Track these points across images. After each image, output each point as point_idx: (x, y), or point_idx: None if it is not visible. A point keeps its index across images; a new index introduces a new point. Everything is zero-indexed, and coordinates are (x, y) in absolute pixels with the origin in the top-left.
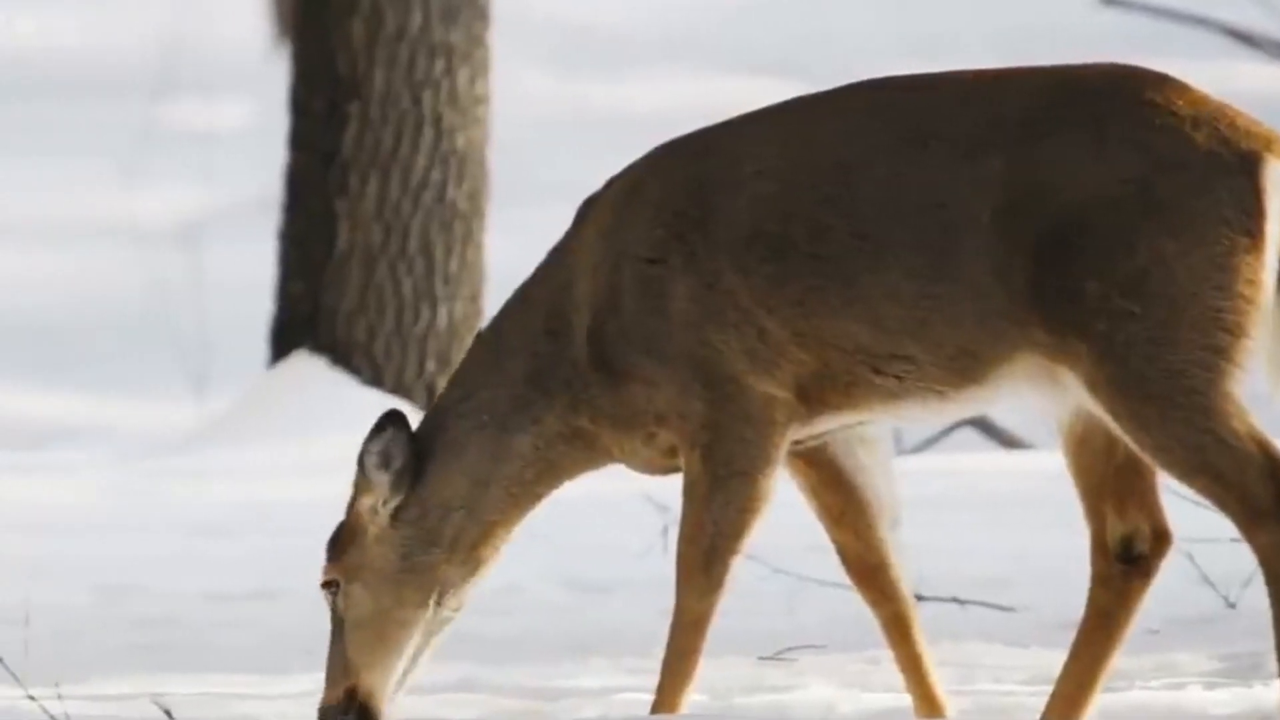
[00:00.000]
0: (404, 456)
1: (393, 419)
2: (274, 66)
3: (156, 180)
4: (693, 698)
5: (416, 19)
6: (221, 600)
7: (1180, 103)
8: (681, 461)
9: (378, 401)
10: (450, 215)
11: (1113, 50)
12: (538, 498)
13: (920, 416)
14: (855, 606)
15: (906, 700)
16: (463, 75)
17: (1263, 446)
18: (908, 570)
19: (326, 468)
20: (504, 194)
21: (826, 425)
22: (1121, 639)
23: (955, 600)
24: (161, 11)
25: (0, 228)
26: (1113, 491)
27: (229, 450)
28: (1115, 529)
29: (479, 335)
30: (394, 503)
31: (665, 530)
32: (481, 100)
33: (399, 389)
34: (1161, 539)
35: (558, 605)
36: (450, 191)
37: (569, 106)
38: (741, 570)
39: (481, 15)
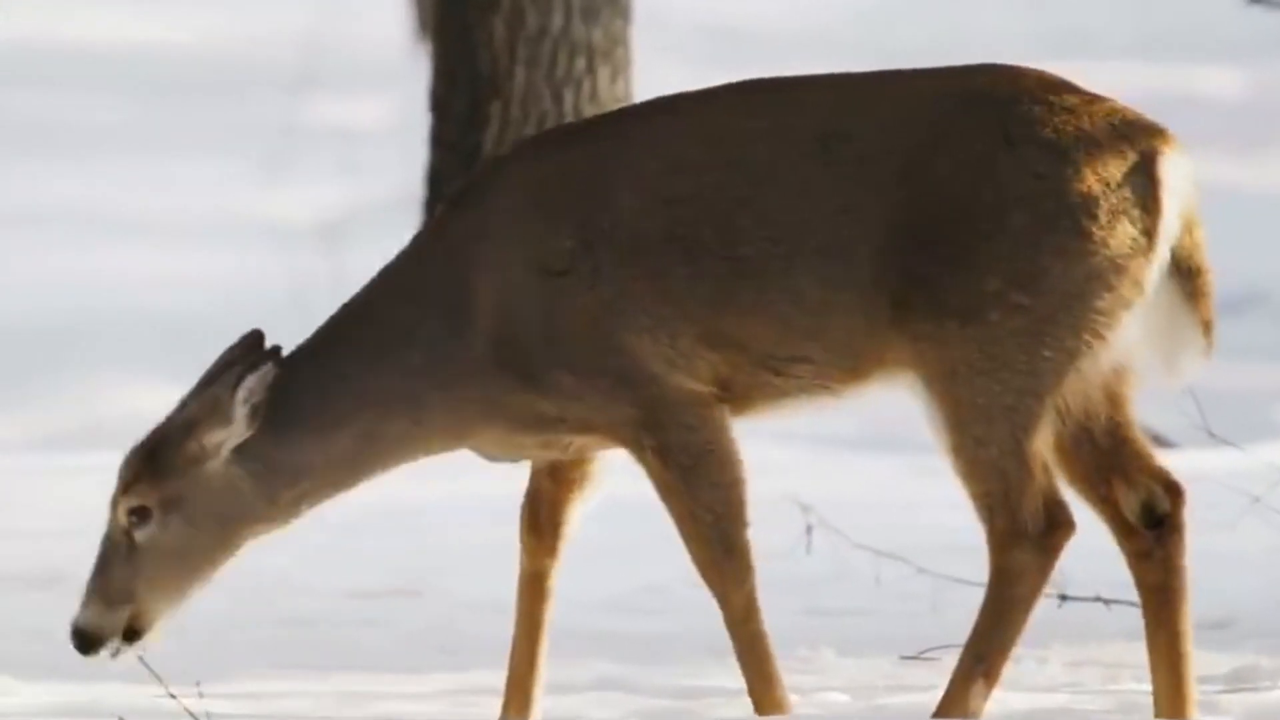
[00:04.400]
0: (263, 396)
1: (269, 356)
2: (415, 64)
3: (298, 178)
4: (834, 697)
5: (557, 18)
6: (363, 598)
7: (1077, 101)
8: (644, 468)
9: None
10: None
11: (1260, 49)
12: (382, 472)
13: (803, 412)
14: None
15: (1050, 700)
16: (603, 74)
17: (1047, 475)
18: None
19: (468, 465)
20: None
21: (759, 413)
22: (1187, 602)
23: (1100, 600)
24: (303, 10)
25: (142, 226)
26: (1112, 468)
27: None
28: (1130, 501)
29: (356, 312)
30: (237, 441)
31: (809, 530)
32: (622, 99)
33: None
34: (1174, 491)
35: (699, 605)
36: None
37: None
38: (885, 570)
39: (622, 14)
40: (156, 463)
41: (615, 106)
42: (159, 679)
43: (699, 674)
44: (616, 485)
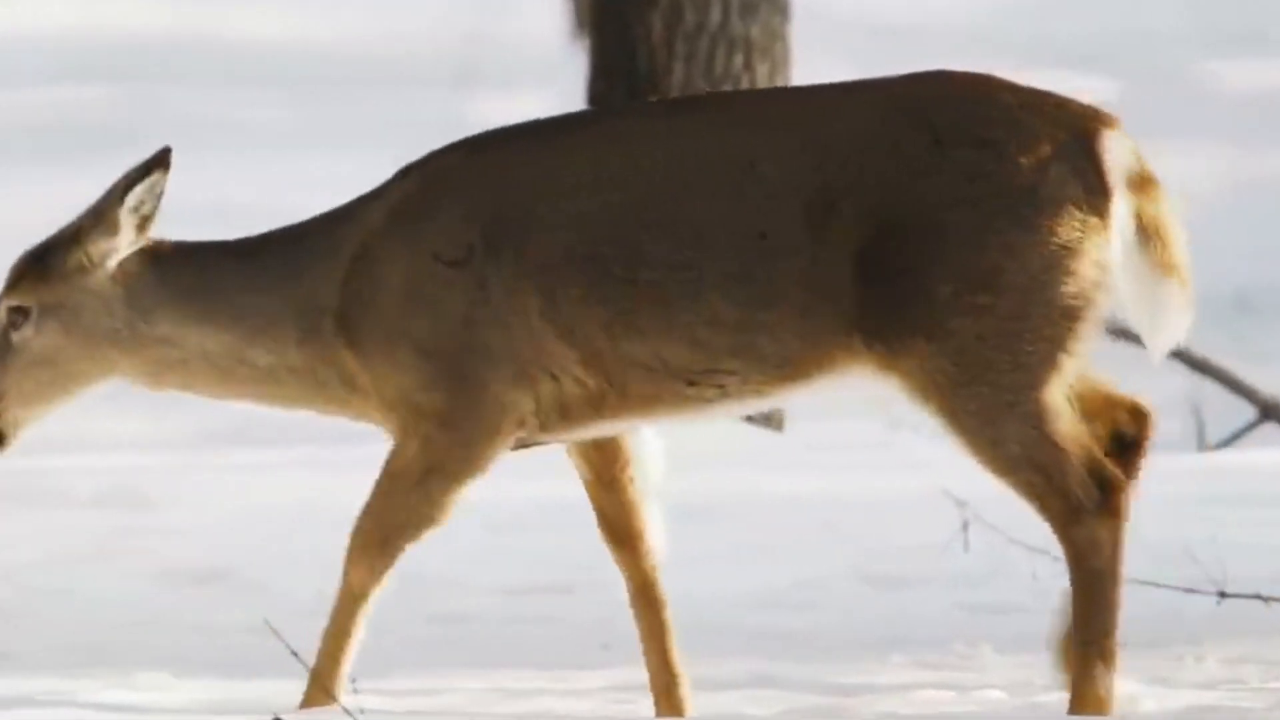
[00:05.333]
0: (154, 208)
1: (159, 165)
2: (573, 60)
3: None
4: (991, 694)
5: (716, 13)
6: (518, 595)
7: (1005, 95)
8: (395, 444)
9: None
10: None
11: None
12: (247, 400)
13: (729, 414)
14: (1157, 603)
15: (1208, 698)
16: (762, 70)
17: (1084, 445)
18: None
19: None
20: None
21: (599, 432)
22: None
23: (1259, 597)
24: (465, 7)
25: None
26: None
27: None
28: (1100, 433)
29: (286, 236)
30: (120, 257)
31: (965, 526)
32: None
33: None
34: (1139, 412)
35: (857, 601)
36: None
37: None
38: (1039, 566)
39: (781, 10)
40: (43, 266)
41: None
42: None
43: (853, 670)
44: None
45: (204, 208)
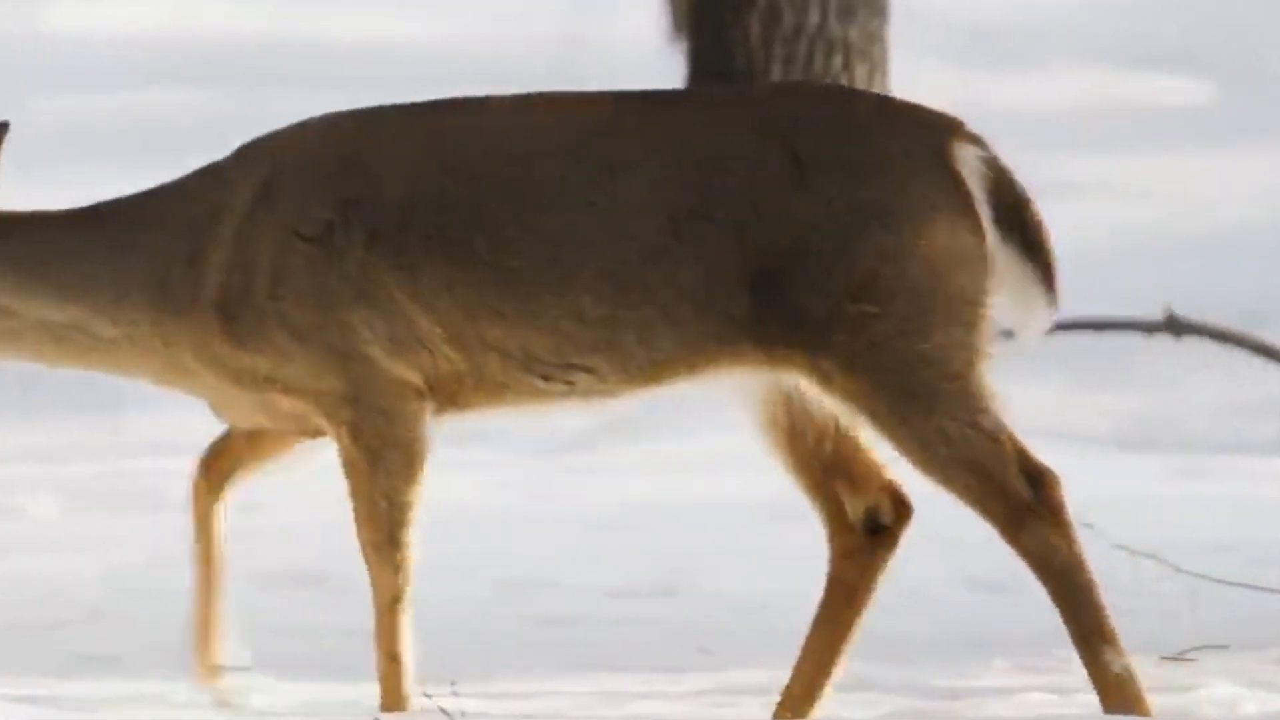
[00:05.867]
0: None
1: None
2: (671, 62)
3: None
4: (1092, 698)
5: (814, 15)
6: (622, 596)
7: (862, 108)
8: (333, 439)
9: None
10: None
11: None
12: (83, 368)
13: (573, 413)
14: (1259, 606)
15: None
16: (860, 71)
17: (1014, 441)
18: None
19: (728, 463)
20: None
21: (451, 419)
22: (864, 611)
23: None
24: (560, 6)
25: None
26: (839, 471)
27: (631, 444)
28: (855, 505)
29: (127, 207)
30: None
31: None
32: None
33: None
34: (902, 508)
35: (959, 605)
36: None
37: (966, 102)
38: (1143, 569)
39: (879, 11)
40: None
41: None
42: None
43: (954, 673)
44: None
45: None
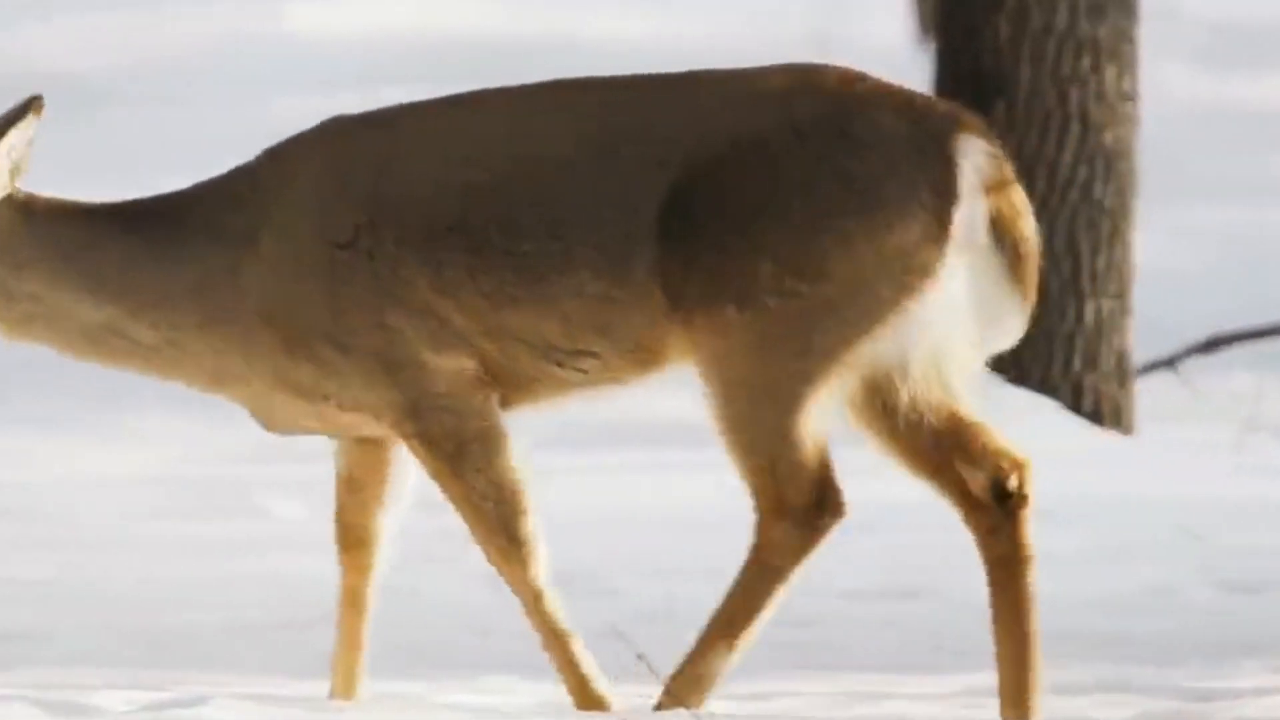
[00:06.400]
0: (24, 152)
1: (37, 111)
2: (919, 63)
3: None
4: None
5: (1063, 15)
6: (862, 598)
7: (865, 90)
8: (413, 455)
9: (1024, 401)
10: (1097, 213)
11: None
12: (122, 368)
13: (591, 401)
14: None
15: None
16: (1109, 72)
17: (822, 455)
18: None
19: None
20: (1152, 191)
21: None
22: (1033, 577)
23: None
24: (809, 7)
25: None
26: (952, 448)
27: None
28: (977, 480)
29: (167, 209)
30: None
31: None
32: (1129, 97)
33: (1045, 387)
34: (1018, 466)
35: (1210, 606)
36: (1097, 189)
37: (1217, 103)
38: None
39: (1129, 11)
40: None
41: (1122, 104)
42: (658, 676)
43: (1207, 675)
44: (1120, 485)
45: None
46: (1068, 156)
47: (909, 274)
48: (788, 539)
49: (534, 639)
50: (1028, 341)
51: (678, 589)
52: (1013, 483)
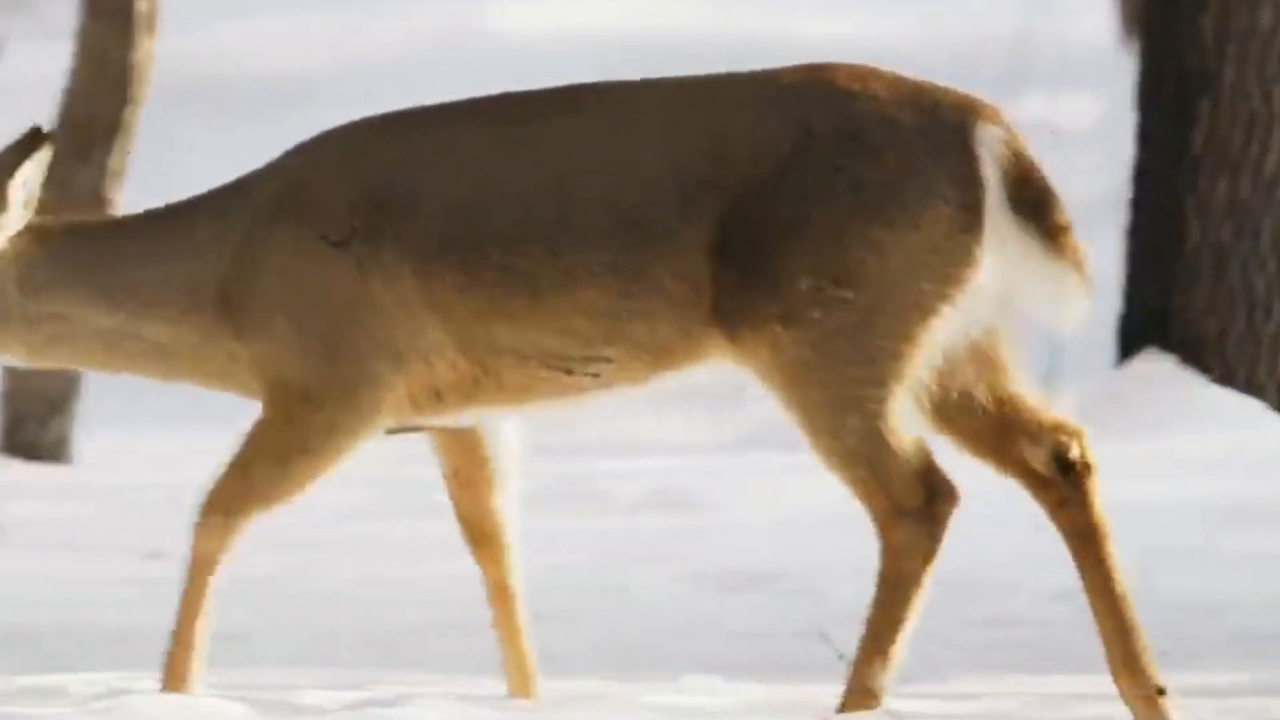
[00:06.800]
0: (39, 186)
1: (43, 142)
2: (1122, 63)
3: None
4: None
5: (1266, 15)
6: (1066, 599)
7: (878, 87)
8: (261, 416)
9: (1230, 401)
10: None
11: None
12: (134, 373)
13: (603, 402)
14: None
15: None
16: None
17: (920, 450)
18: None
19: (1179, 466)
20: None
21: (474, 418)
22: (1112, 544)
23: None
24: (1014, 6)
25: None
26: (1009, 428)
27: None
28: (1038, 455)
29: (170, 211)
30: (6, 235)
31: None
32: None
33: (1250, 387)
34: (1076, 435)
35: None
36: None
37: None
38: None
39: None
40: None
41: None
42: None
43: None
44: None
45: None
46: (1272, 156)
47: (950, 266)
48: (912, 540)
49: (740, 640)
50: (1234, 342)
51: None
52: (1074, 452)
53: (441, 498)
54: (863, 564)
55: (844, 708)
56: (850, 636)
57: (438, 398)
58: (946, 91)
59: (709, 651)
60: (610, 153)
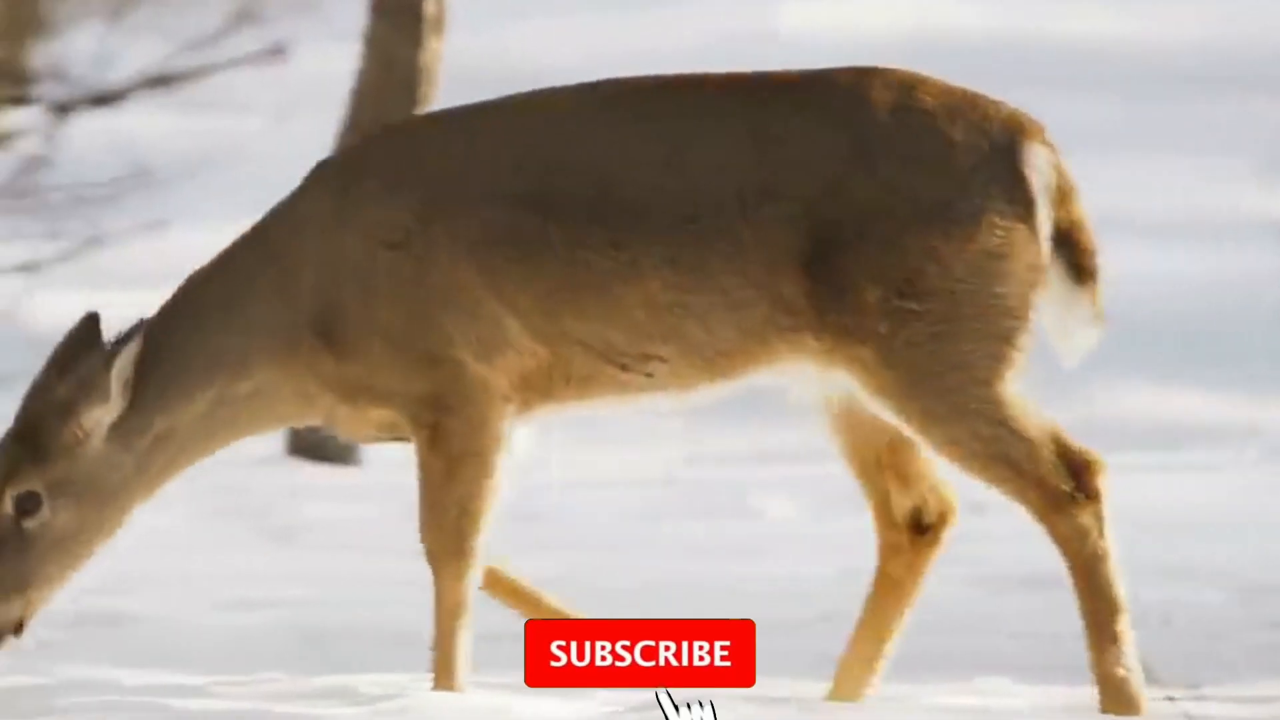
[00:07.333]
0: (132, 372)
1: (136, 331)
2: None
3: None
4: None
5: None
6: None
7: (930, 99)
8: (416, 444)
9: None
10: None
11: None
12: (238, 438)
13: (657, 407)
14: None
15: None
16: None
17: (1052, 435)
18: None
19: None
20: None
21: (547, 413)
22: (910, 606)
23: None
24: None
25: (1140, 226)
26: (889, 466)
27: None
28: (901, 502)
29: (208, 276)
30: (113, 418)
31: None
32: None
33: None
34: (946, 510)
35: None
36: None
37: None
38: None
39: None
40: (38, 448)
41: None
42: (1158, 681)
43: None
44: None
45: None
46: None
47: (1015, 269)
48: (1076, 523)
49: (1029, 641)
50: None
51: (1176, 592)
52: (930, 520)
53: (720, 500)
54: (1160, 564)
55: (1104, 709)
56: (1151, 639)
57: (533, 386)
58: (996, 105)
59: (1001, 653)
60: (665, 146)
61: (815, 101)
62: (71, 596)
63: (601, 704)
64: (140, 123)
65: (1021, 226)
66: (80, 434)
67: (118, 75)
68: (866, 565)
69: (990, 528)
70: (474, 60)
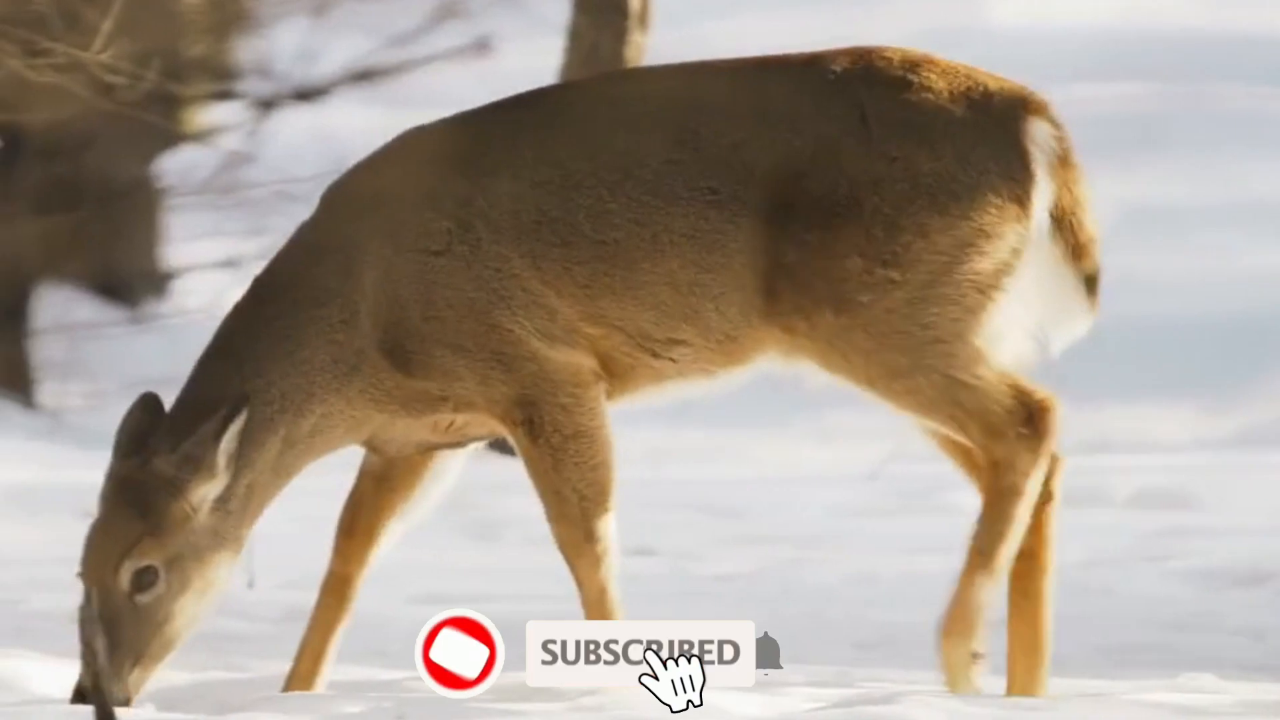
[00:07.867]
0: (236, 444)
1: (242, 403)
2: None
3: None
4: None
5: None
6: None
7: (933, 76)
8: (514, 444)
9: None
10: None
11: None
12: (298, 473)
13: (682, 395)
14: None
15: None
16: None
17: (1012, 385)
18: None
19: None
20: None
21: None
22: (1053, 569)
23: None
24: None
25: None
26: None
27: None
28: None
29: (256, 317)
30: (218, 492)
31: None
32: None
33: None
34: (1053, 461)
35: None
36: None
37: None
38: None
39: None
40: (153, 524)
41: None
42: None
43: None
44: None
45: (1249, 205)
46: None
47: (997, 251)
48: (1014, 453)
49: (1237, 638)
50: None
51: None
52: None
53: (919, 496)
54: None
55: (949, 621)
56: None
57: (620, 370)
58: (1001, 82)
59: (1204, 648)
60: (678, 127)
61: (822, 78)
62: (271, 591)
63: (803, 699)
64: (343, 118)
65: (1014, 207)
66: (190, 510)
67: (321, 71)
68: (1069, 560)
69: (1193, 523)
70: (678, 54)
